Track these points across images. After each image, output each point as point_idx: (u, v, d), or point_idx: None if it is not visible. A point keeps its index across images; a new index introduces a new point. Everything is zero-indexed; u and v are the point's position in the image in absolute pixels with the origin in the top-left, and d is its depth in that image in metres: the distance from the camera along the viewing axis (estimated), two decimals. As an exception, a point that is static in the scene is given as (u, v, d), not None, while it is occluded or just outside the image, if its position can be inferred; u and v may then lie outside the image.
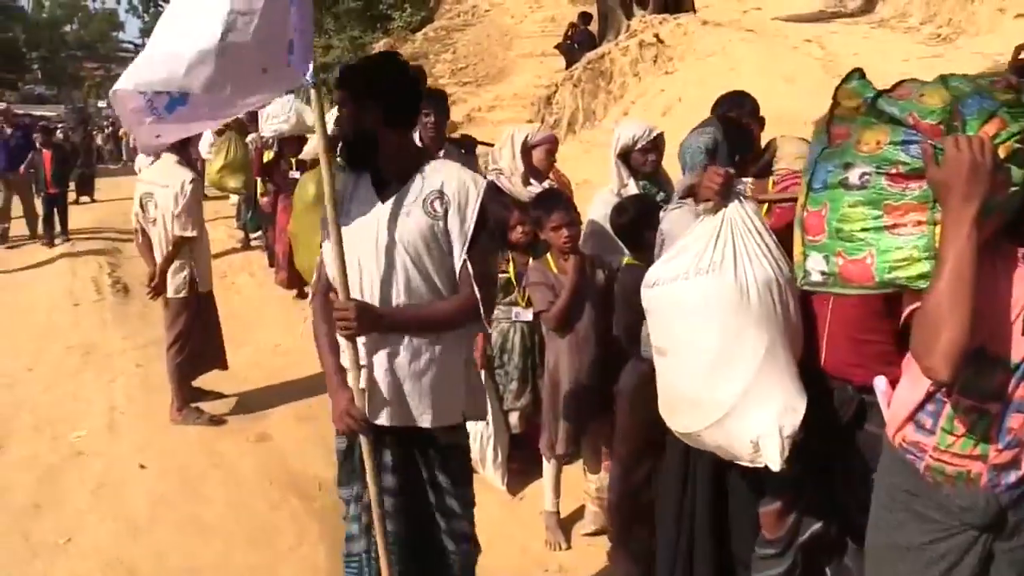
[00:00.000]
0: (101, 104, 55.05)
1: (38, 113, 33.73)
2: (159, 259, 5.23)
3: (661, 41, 9.99)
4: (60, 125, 24.71)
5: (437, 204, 2.37)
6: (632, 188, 3.77)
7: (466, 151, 5.11)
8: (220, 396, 5.83)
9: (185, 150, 10.13)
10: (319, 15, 30.15)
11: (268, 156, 8.52)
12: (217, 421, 5.42)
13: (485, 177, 3.63)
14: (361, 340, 2.42)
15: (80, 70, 55.49)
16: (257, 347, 7.03)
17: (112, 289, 9.32)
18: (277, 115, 8.10)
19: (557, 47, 11.81)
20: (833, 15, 14.45)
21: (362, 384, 2.42)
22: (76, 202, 15.65)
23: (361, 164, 2.51)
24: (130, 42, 68.69)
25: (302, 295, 8.46)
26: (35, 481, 4.68)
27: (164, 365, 6.18)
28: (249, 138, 9.22)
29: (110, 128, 34.26)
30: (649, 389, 2.79)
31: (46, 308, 8.68)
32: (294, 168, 8.26)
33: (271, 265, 9.55)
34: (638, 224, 3.31)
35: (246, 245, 11.24)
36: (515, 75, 18.13)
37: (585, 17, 11.03)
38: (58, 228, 12.40)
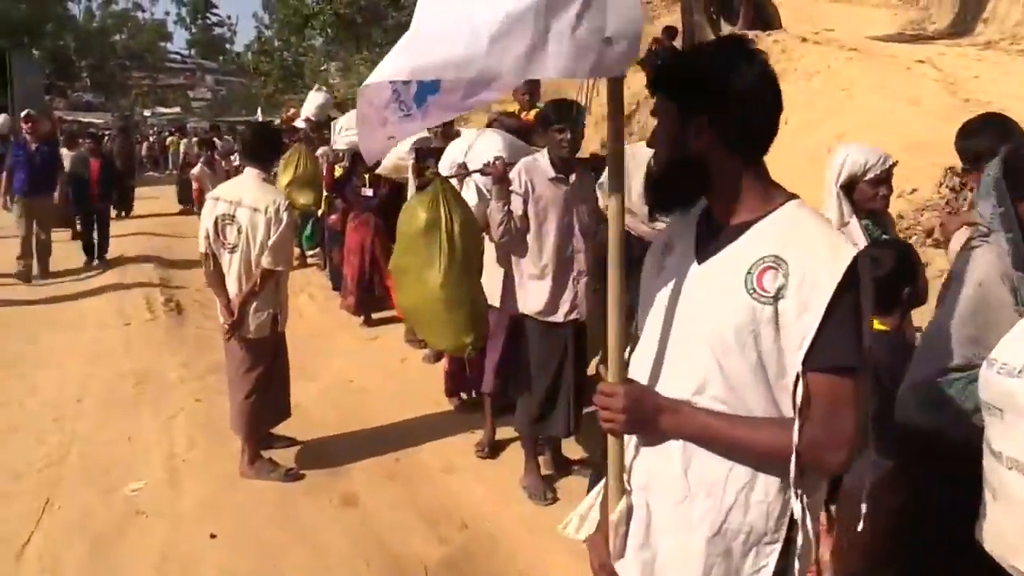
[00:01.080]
0: (147, 113, 55.28)
1: (86, 120, 33.56)
2: (233, 291, 4.46)
3: (757, 58, 9.15)
4: (107, 132, 24.34)
5: (769, 279, 1.51)
6: (855, 228, 2.95)
7: (598, 174, 4.34)
8: (293, 442, 5.06)
9: (210, 149, 9.47)
10: (368, 30, 29.77)
11: (339, 171, 7.79)
12: (294, 476, 4.63)
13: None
14: (632, 442, 1.61)
15: (128, 79, 55.70)
16: (328, 382, 6.26)
17: (164, 308, 8.61)
18: (351, 127, 7.37)
19: (640, 63, 11.04)
20: (914, 37, 13.54)
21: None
22: (117, 217, 15.08)
23: (678, 204, 1.70)
24: (177, 53, 69.26)
25: (369, 322, 7.71)
26: (88, 550, 3.90)
27: (226, 400, 5.48)
28: (320, 151, 8.49)
29: (155, 137, 34.13)
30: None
31: (94, 326, 7.98)
32: (367, 184, 7.52)
33: (335, 288, 8.82)
34: (898, 280, 2.49)
35: (303, 263, 10.53)
36: (562, 94, 17.39)
37: (670, 32, 10.27)
38: (95, 253, 11.07)
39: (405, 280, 4.00)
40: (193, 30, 69.40)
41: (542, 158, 4.07)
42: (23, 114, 10.74)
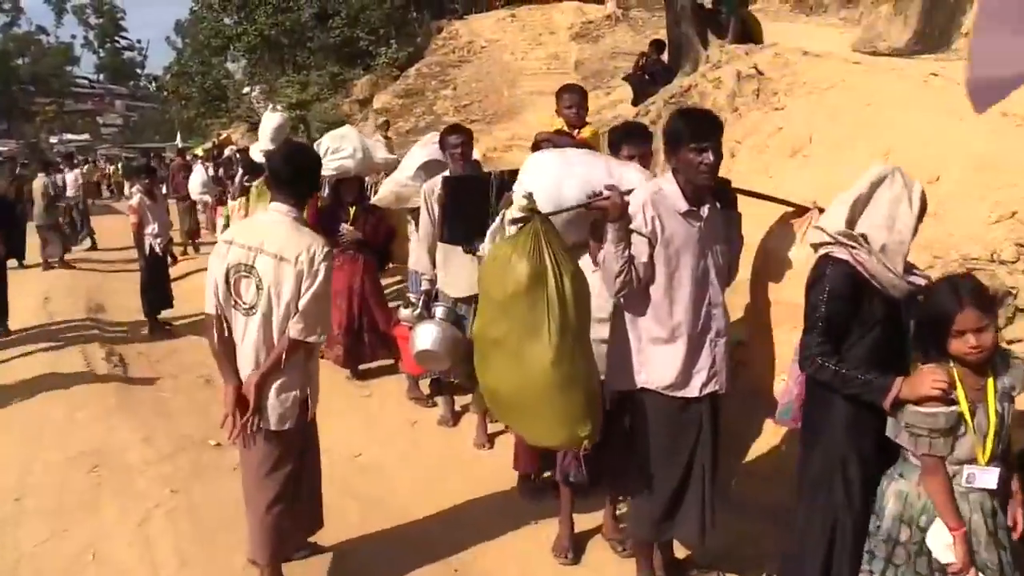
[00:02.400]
0: (53, 139, 51.89)
1: (-10, 148, 30.96)
2: (248, 367, 3.30)
3: (760, 73, 8.40)
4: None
5: None
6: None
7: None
8: (315, 549, 3.90)
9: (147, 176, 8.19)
10: (293, 51, 28.34)
11: (321, 202, 6.62)
12: (329, 605, 3.49)
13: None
14: None
15: (32, 104, 52.29)
16: (332, 459, 5.02)
17: (107, 364, 7.22)
18: (338, 149, 6.25)
19: (626, 79, 10.21)
20: (871, 54, 13.14)
21: None
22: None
23: None
24: (85, 77, 65.66)
25: (359, 375, 6.55)
26: None
27: (208, 488, 4.39)
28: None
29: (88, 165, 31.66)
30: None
31: (25, 392, 6.56)
32: (350, 217, 6.38)
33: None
34: None
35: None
36: (527, 113, 16.55)
37: (658, 46, 9.47)
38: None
39: (497, 357, 2.94)
40: (101, 54, 66.05)
41: (668, 186, 3.08)
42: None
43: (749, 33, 9.91)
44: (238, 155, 13.63)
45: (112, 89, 66.83)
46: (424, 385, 5.94)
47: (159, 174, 11.23)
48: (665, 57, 9.62)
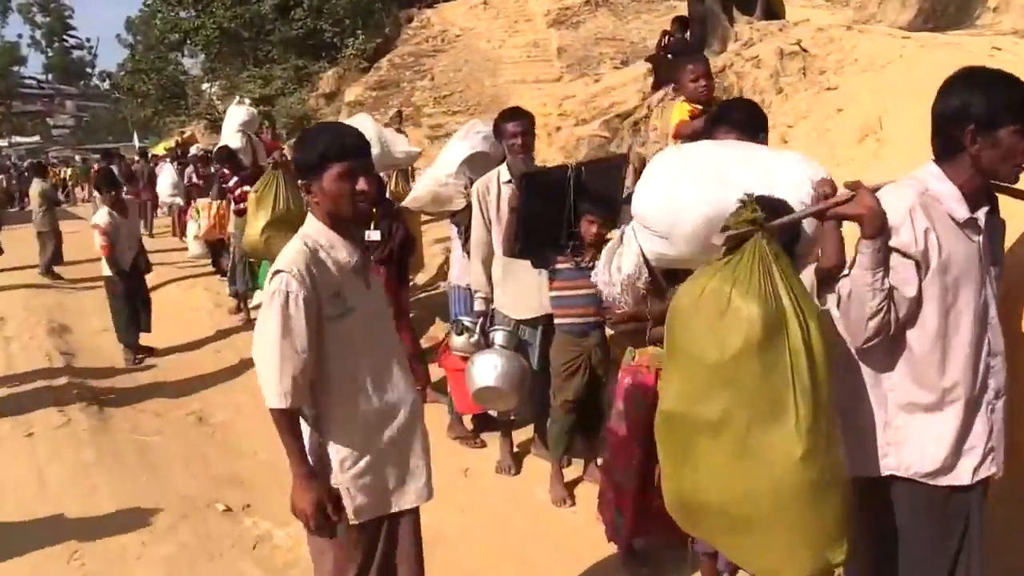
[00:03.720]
0: (2, 143, 49.21)
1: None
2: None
3: (804, 50, 7.47)
4: None
5: None
6: None
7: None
8: None
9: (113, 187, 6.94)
10: (254, 45, 26.82)
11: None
12: None
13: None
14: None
15: (-22, 106, 49.61)
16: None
17: (79, 405, 6.01)
18: None
19: (649, 59, 9.20)
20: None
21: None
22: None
23: None
24: (33, 78, 62.67)
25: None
26: None
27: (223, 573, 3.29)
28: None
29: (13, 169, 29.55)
30: None
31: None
32: (373, 223, 5.30)
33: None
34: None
35: (248, 321, 8.07)
36: (511, 102, 15.43)
37: (682, 23, 8.48)
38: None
39: (710, 449, 1.92)
40: (50, 53, 63.09)
41: (939, 184, 2.08)
42: None
43: (773, 9, 8.98)
44: (211, 153, 12.34)
45: (62, 89, 63.87)
46: (467, 418, 4.92)
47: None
48: (688, 36, 8.63)
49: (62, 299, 10.16)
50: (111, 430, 5.57)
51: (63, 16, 62.57)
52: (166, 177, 12.20)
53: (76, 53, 64.99)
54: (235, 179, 7.57)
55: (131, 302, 7.01)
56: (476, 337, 4.10)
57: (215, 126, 24.92)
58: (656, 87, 8.44)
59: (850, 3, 16.52)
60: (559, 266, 3.93)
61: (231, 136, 8.78)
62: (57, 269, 11.64)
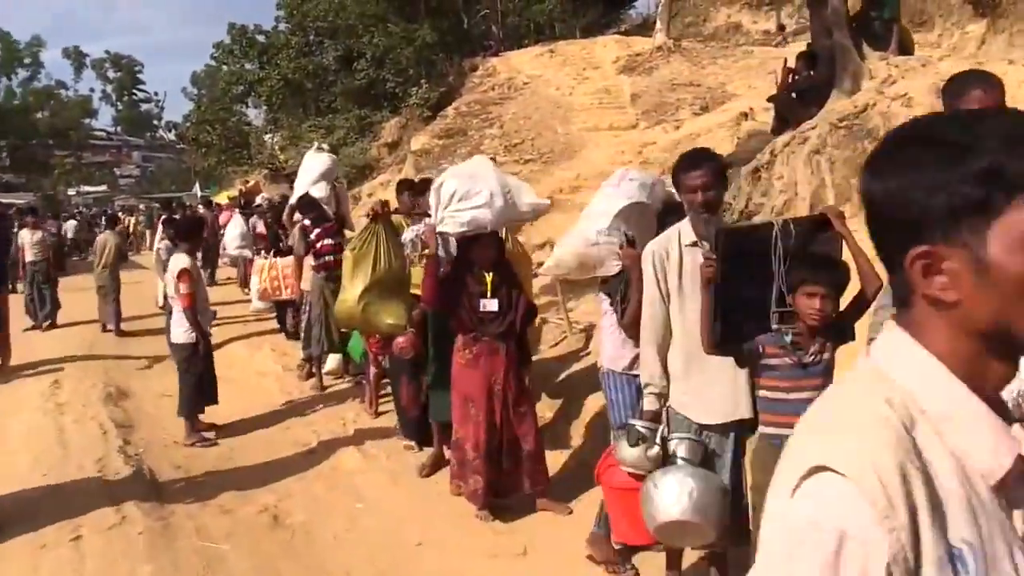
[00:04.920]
0: (71, 192, 50.04)
1: (6, 200, 29.00)
2: None
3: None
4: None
5: None
6: None
7: None
8: None
9: (194, 237, 5.92)
10: (316, 95, 26.57)
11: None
12: None
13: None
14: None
15: (50, 157, 50.62)
16: None
17: (134, 487, 5.05)
18: (468, 194, 4.14)
19: (771, 99, 8.19)
20: None
21: None
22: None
23: None
24: (103, 130, 64.24)
25: (494, 513, 4.42)
26: None
27: None
28: (408, 235, 4.73)
29: (79, 216, 29.43)
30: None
31: (24, 544, 4.43)
32: (488, 291, 4.30)
33: (404, 433, 5.51)
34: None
35: (322, 389, 7.09)
36: (587, 151, 14.59)
37: (808, 59, 7.45)
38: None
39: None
40: (119, 106, 64.69)
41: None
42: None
43: (905, 44, 7.91)
44: (274, 201, 11.58)
45: (129, 141, 65.34)
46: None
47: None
48: (813, 74, 7.59)
49: (120, 359, 9.37)
50: (172, 534, 4.57)
51: (133, 71, 64.21)
52: (234, 228, 11.46)
53: (144, 106, 66.52)
54: (317, 231, 6.69)
55: (208, 371, 6.10)
56: (656, 450, 3.03)
57: (275, 175, 24.57)
58: (779, 130, 7.39)
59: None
60: (771, 360, 2.87)
61: (310, 185, 7.89)
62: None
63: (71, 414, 6.79)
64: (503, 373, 4.22)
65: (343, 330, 6.38)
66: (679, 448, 3.08)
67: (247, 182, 21.99)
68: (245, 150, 27.88)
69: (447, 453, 4.80)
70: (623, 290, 3.67)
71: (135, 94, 64.68)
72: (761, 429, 2.97)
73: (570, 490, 4.55)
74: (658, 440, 3.08)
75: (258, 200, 15.18)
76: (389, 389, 6.51)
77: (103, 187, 54.49)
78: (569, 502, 4.44)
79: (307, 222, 6.77)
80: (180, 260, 5.91)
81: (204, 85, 53.28)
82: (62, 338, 10.44)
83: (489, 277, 4.22)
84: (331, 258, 6.67)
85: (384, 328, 4.38)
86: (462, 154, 17.10)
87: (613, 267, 3.67)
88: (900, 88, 6.69)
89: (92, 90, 63.69)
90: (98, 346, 9.96)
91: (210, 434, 6.18)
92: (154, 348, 8.92)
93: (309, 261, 6.92)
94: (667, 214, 3.75)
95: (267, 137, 28.54)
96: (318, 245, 6.66)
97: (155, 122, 67.50)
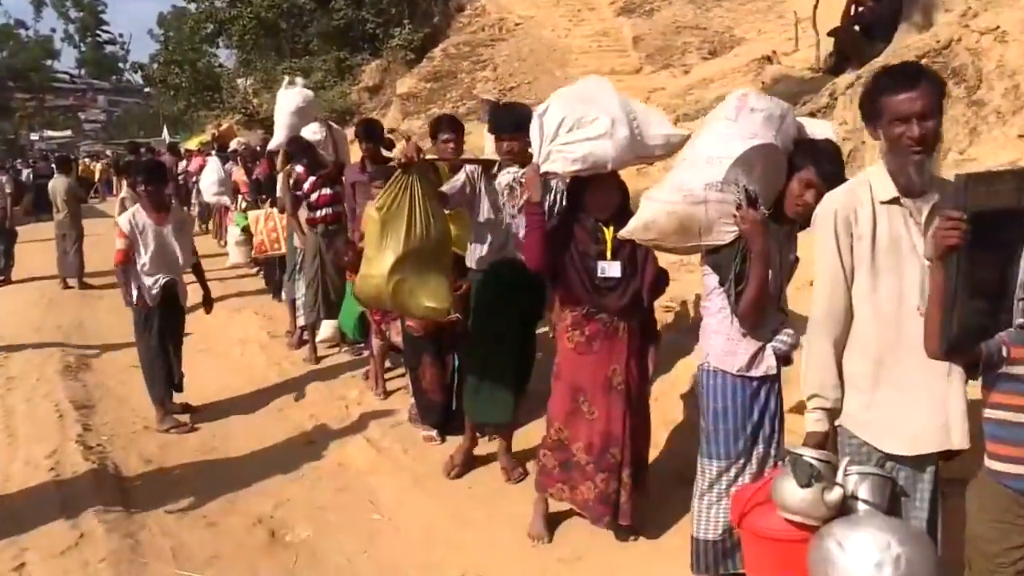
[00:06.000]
0: (34, 136, 47.56)
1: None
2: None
3: (1073, 16, 5.43)
4: None
5: None
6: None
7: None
8: None
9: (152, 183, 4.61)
10: (291, 36, 24.97)
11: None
12: None
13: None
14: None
15: (11, 100, 48.05)
16: None
17: (96, 506, 4.06)
18: (581, 121, 2.98)
19: (832, 33, 7.11)
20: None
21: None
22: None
23: None
24: (66, 72, 61.21)
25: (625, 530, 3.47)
26: None
27: None
28: (504, 178, 3.34)
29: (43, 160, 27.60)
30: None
31: None
32: (608, 247, 3.25)
33: (424, 421, 4.55)
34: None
35: (317, 359, 6.11)
36: (589, 96, 13.45)
37: (871, -9, 6.42)
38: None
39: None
40: (82, 48, 61.56)
41: None
42: None
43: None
44: (253, 146, 10.38)
45: (94, 84, 62.34)
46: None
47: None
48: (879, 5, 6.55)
49: (82, 318, 8.26)
50: (142, 556, 3.60)
51: (96, 11, 60.98)
52: (211, 172, 10.25)
53: (108, 48, 63.41)
54: (312, 179, 5.60)
55: (163, 347, 5.04)
56: (838, 494, 2.10)
57: (250, 120, 23.05)
58: (839, 69, 6.38)
59: None
60: (1015, 368, 1.95)
61: (288, 126, 6.73)
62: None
63: (21, 391, 5.73)
64: (624, 362, 3.20)
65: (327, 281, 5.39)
66: (860, 487, 2.17)
67: (220, 126, 20.47)
68: (216, 94, 26.17)
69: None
70: (739, 265, 2.70)
71: (99, 35, 61.55)
72: (987, 464, 2.05)
73: (658, 514, 3.54)
74: (839, 478, 2.15)
75: (233, 144, 13.88)
76: (391, 363, 5.55)
77: (67, 132, 51.98)
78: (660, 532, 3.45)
79: (299, 169, 5.65)
80: (122, 216, 4.92)
81: (172, 27, 50.64)
82: (15, 296, 9.27)
83: (609, 233, 3.16)
84: (329, 211, 5.60)
85: (421, 311, 3.28)
86: (452, 98, 15.89)
87: (727, 234, 2.68)
88: (989, 20, 5.71)
89: (53, 30, 60.56)
90: (57, 305, 8.83)
91: (184, 417, 5.16)
92: (122, 306, 7.84)
93: (302, 214, 5.84)
94: (792, 157, 2.79)
95: (240, 80, 26.82)
96: (313, 196, 5.58)
97: (120, 65, 64.53)
